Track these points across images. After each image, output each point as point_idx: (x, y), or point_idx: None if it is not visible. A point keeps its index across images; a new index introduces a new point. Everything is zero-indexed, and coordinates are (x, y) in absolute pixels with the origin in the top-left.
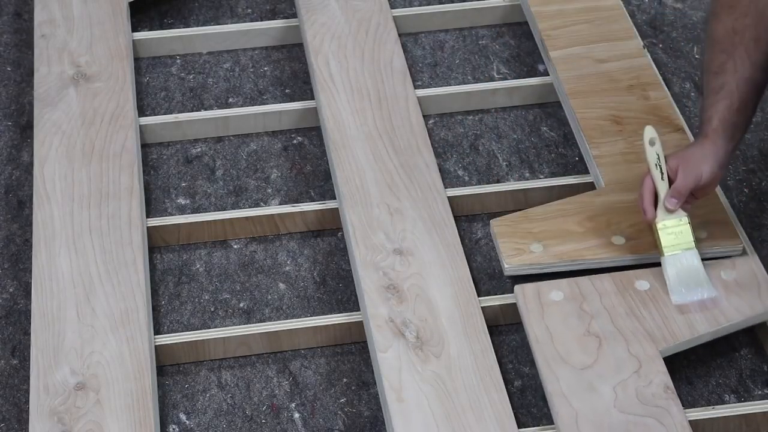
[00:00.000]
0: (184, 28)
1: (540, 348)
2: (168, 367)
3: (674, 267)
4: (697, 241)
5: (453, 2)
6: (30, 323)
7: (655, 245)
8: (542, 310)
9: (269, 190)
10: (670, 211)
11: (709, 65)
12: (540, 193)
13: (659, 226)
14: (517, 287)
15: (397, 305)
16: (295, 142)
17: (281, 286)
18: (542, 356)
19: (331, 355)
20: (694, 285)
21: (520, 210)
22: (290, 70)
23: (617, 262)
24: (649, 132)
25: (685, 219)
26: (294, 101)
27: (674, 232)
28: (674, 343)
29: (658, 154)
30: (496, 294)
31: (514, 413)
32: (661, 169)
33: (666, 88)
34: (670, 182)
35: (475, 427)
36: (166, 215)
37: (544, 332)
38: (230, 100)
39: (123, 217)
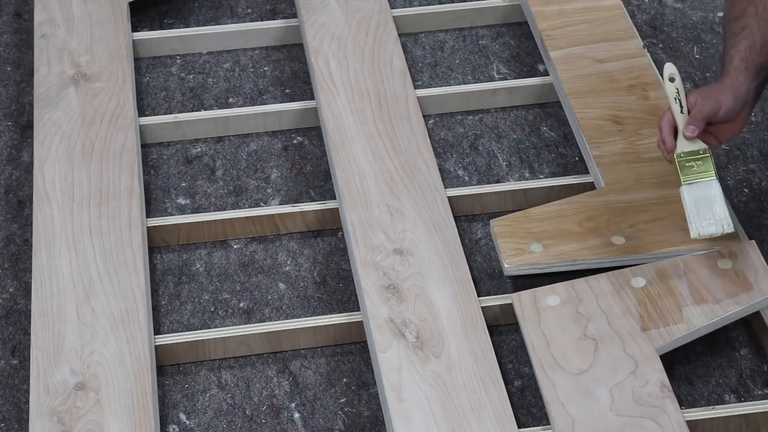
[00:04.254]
0: (184, 28)
1: (537, 355)
2: (168, 367)
3: (692, 197)
4: (718, 175)
5: (453, 2)
6: (30, 323)
7: (655, 244)
8: (539, 316)
9: (269, 190)
10: (688, 139)
11: (730, 11)
12: (540, 193)
13: (677, 154)
14: (513, 295)
15: (397, 305)
16: (295, 142)
17: (281, 286)
18: (539, 363)
19: (331, 355)
20: (714, 217)
21: (520, 210)
22: (290, 70)
23: (617, 262)
24: (669, 68)
25: (706, 150)
26: (294, 101)
27: (693, 162)
28: (671, 339)
29: (677, 89)
30: (496, 294)
31: (514, 413)
32: (680, 102)
33: None
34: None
35: (475, 427)
36: (166, 215)
37: (540, 339)
38: (230, 100)
39: (123, 217)
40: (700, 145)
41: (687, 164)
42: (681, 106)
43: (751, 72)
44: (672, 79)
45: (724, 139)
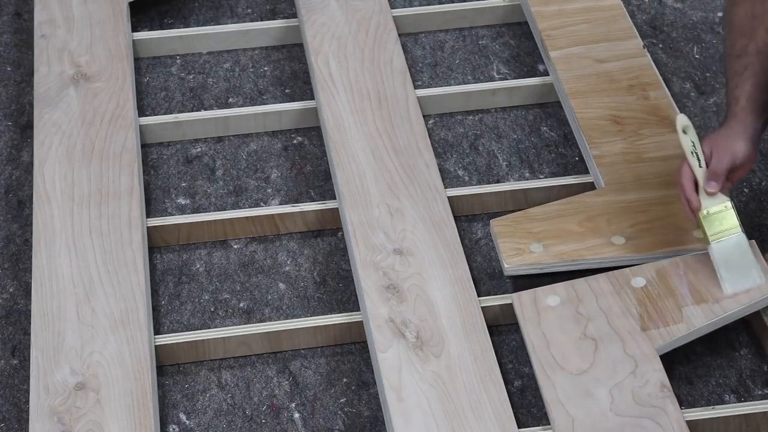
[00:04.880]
0: (184, 28)
1: (537, 355)
2: (168, 367)
3: (723, 255)
4: (743, 226)
5: (453, 2)
6: (30, 323)
7: (655, 244)
8: (539, 316)
9: (269, 190)
10: (710, 195)
11: (730, 50)
12: (540, 193)
13: (702, 213)
14: (514, 295)
15: (397, 305)
16: (295, 142)
17: (281, 286)
18: (539, 363)
19: (331, 355)
20: (745, 271)
21: (520, 210)
22: (290, 70)
23: (617, 262)
24: (682, 120)
25: (728, 203)
26: (294, 101)
27: (718, 218)
28: (671, 339)
29: (693, 142)
30: (496, 294)
31: (514, 413)
32: (697, 156)
33: (666, 88)
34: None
35: (475, 427)
36: (166, 215)
37: (540, 339)
38: (230, 100)
39: (123, 217)
40: (723, 199)
41: (712, 220)
42: (699, 160)
43: (758, 111)
44: (685, 131)
45: (736, 180)
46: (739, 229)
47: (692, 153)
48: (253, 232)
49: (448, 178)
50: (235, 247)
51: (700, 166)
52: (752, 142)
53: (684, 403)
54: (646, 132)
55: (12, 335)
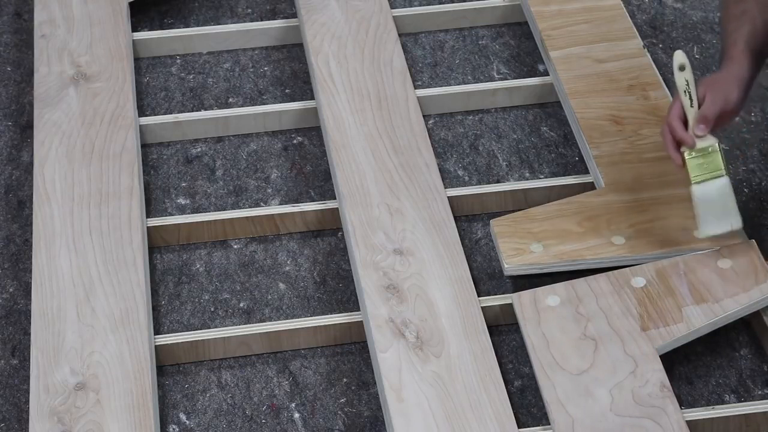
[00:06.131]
0: (184, 28)
1: (537, 355)
2: (168, 367)
3: (702, 196)
4: (728, 169)
5: (453, 2)
6: (30, 323)
7: (655, 244)
8: (539, 316)
9: (269, 190)
10: (698, 137)
11: None
12: (540, 193)
13: (689, 154)
14: (513, 295)
15: (397, 305)
16: (295, 142)
17: (281, 286)
18: (539, 363)
19: (331, 355)
20: (723, 215)
21: (520, 210)
22: (290, 70)
23: (617, 262)
24: (679, 57)
25: (716, 145)
26: (294, 101)
27: (702, 158)
28: (671, 339)
29: (687, 80)
30: (496, 294)
31: (514, 413)
32: (690, 95)
33: (666, 88)
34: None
35: (475, 427)
36: (166, 215)
37: (540, 339)
38: (230, 100)
39: (123, 217)
40: (710, 141)
41: (697, 161)
42: (691, 99)
43: (753, 58)
44: (682, 68)
45: (721, 125)
46: (722, 171)
47: (685, 92)
48: (253, 232)
49: (448, 178)
50: (235, 247)
51: (692, 106)
52: (745, 90)
53: (684, 403)
54: (646, 132)
55: (12, 335)
